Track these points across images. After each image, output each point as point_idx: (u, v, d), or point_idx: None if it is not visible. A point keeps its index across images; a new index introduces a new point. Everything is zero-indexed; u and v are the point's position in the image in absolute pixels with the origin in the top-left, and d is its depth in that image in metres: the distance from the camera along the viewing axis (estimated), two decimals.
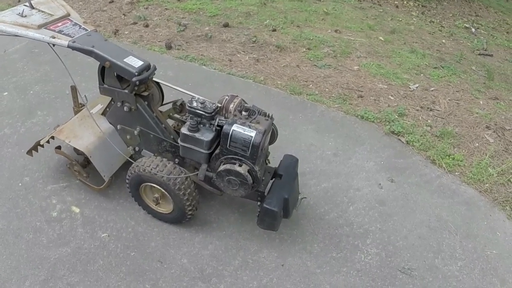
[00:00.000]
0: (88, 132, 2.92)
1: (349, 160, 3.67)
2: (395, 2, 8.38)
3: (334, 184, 3.40)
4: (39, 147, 3.13)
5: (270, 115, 2.54)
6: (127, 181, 2.83)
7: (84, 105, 3.25)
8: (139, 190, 2.84)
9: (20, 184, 3.28)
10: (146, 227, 2.95)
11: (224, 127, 2.37)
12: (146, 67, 2.61)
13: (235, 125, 2.35)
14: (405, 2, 8.41)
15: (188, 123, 2.48)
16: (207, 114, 2.44)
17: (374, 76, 5.05)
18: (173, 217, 2.87)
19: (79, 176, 3.16)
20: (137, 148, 3.02)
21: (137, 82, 2.53)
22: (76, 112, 3.28)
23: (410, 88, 4.87)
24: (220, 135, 2.43)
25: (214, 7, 6.76)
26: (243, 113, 2.43)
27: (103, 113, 3.02)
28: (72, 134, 2.91)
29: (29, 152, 3.16)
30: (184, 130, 2.48)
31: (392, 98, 4.63)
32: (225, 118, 2.53)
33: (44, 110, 4.08)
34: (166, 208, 2.87)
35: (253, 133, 2.31)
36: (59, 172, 3.36)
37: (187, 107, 2.49)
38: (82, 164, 3.05)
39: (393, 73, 5.15)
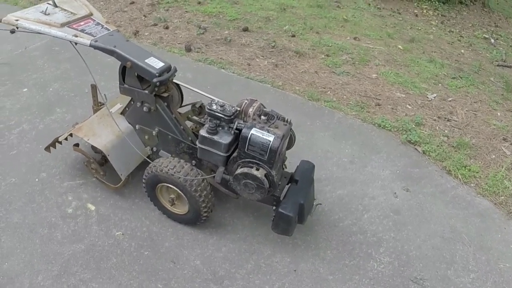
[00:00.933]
0: (106, 130, 2.95)
1: (365, 168, 3.65)
2: (415, 11, 8.33)
3: (349, 191, 3.39)
4: (57, 144, 3.16)
5: (289, 120, 2.55)
6: (143, 180, 2.84)
7: (103, 104, 3.28)
8: (155, 190, 2.86)
9: (37, 180, 3.31)
10: (160, 227, 2.97)
11: (243, 130, 2.37)
12: (167, 69, 2.63)
13: (253, 129, 2.35)
14: (424, 11, 8.36)
15: (207, 125, 2.49)
16: (226, 117, 2.45)
17: (392, 85, 5.03)
18: (188, 218, 2.88)
19: (95, 174, 3.19)
20: (154, 149, 3.03)
21: (158, 83, 2.55)
22: (95, 111, 3.30)
23: (428, 97, 4.84)
24: (238, 139, 2.44)
25: (234, 11, 6.79)
26: (262, 117, 2.44)
27: (122, 113, 3.04)
28: (90, 132, 2.93)
29: (47, 149, 3.19)
30: (202, 132, 2.49)
31: (409, 107, 4.61)
32: (244, 121, 2.54)
33: (63, 107, 4.12)
34: (181, 209, 2.89)
35: (271, 138, 2.31)
36: (76, 169, 3.39)
37: (206, 110, 2.50)
38: (99, 162, 3.08)
39: (411, 82, 5.13)
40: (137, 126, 2.98)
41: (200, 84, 4.48)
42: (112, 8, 6.71)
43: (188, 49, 5.39)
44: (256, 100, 2.66)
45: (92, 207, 3.10)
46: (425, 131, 4.19)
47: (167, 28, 6.04)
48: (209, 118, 2.53)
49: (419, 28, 7.37)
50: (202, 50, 5.46)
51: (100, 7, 6.80)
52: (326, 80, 5.01)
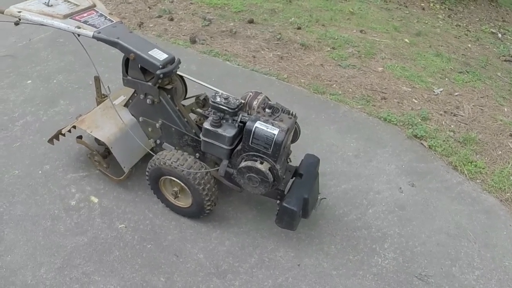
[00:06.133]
0: (110, 123, 2.93)
1: (370, 163, 3.62)
2: (422, 4, 8.26)
3: (354, 186, 3.37)
4: (60, 136, 3.15)
5: (294, 113, 2.52)
6: (147, 173, 2.83)
7: (107, 96, 3.26)
8: (158, 183, 2.84)
9: (40, 172, 3.31)
10: (163, 220, 2.95)
11: (247, 123, 2.35)
12: (171, 61, 2.60)
13: (258, 122, 2.33)
14: (431, 5, 8.28)
15: (210, 118, 2.47)
16: (230, 110, 2.42)
17: (398, 79, 4.99)
18: (191, 212, 2.86)
19: (99, 167, 3.17)
20: (158, 141, 3.02)
21: (161, 75, 2.53)
22: (98, 103, 3.29)
23: (434, 92, 4.80)
24: (242, 132, 2.41)
25: (239, 3, 6.75)
26: (267, 110, 2.40)
27: (126, 105, 3.02)
28: (94, 124, 2.92)
29: (50, 141, 3.18)
30: (206, 125, 2.46)
31: (415, 101, 4.57)
32: (248, 114, 2.51)
33: (67, 99, 4.10)
34: (184, 202, 2.87)
35: (276, 131, 2.28)
36: (79, 161, 3.38)
37: (210, 102, 2.47)
38: (103, 155, 3.06)
39: (417, 76, 5.08)
40: (140, 118, 2.96)
41: (205, 76, 4.47)
42: (117, 0, 6.67)
43: (193, 41, 5.36)
44: (261, 93, 2.63)
45: (95, 200, 3.09)
46: (431, 125, 4.16)
47: (171, 19, 6.00)
48: (213, 110, 2.50)
49: (426, 21, 7.31)
50: (207, 42, 5.43)
51: None
52: (332, 73, 4.97)
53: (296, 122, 2.57)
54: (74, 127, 3.00)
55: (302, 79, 4.76)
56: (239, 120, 2.45)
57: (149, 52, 2.56)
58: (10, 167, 3.35)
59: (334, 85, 4.72)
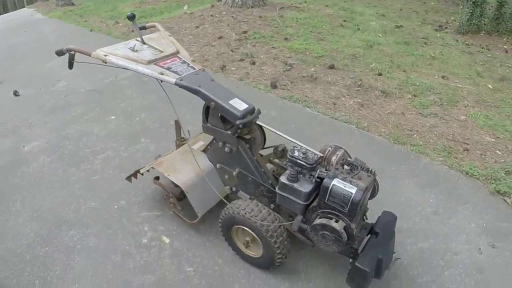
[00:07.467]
0: (187, 167, 2.98)
1: (449, 220, 3.43)
2: (504, 47, 7.93)
3: (431, 245, 3.19)
4: (138, 174, 3.24)
5: (373, 171, 2.44)
6: (220, 220, 2.83)
7: (186, 140, 3.33)
8: (230, 231, 2.83)
9: (115, 207, 3.42)
10: (233, 267, 2.92)
11: (325, 180, 2.29)
12: (251, 111, 2.62)
13: (335, 179, 2.27)
14: None
15: (288, 172, 2.44)
16: (308, 165, 2.38)
17: (482, 128, 4.75)
18: (261, 262, 2.82)
19: (173, 208, 3.22)
20: (234, 189, 3.02)
21: (241, 126, 2.54)
22: (178, 146, 3.36)
23: None
24: (319, 187, 2.35)
25: (320, 48, 6.79)
26: (345, 167, 2.34)
27: (204, 150, 3.07)
28: (171, 168, 2.98)
29: (128, 178, 3.28)
30: (283, 178, 2.44)
31: (499, 153, 4.31)
32: (326, 170, 2.46)
33: (148, 137, 4.24)
34: (255, 252, 2.83)
35: (353, 190, 2.21)
36: (155, 200, 3.45)
37: (288, 156, 2.45)
38: (178, 197, 3.11)
39: (501, 125, 4.81)
40: (217, 165, 2.99)
41: (284, 122, 4.48)
42: (201, 42, 6.91)
43: (274, 86, 5.41)
44: (341, 148, 2.58)
45: (167, 240, 3.12)
46: None
47: (253, 63, 6.13)
48: (290, 164, 2.48)
49: (510, 65, 6.98)
50: (287, 87, 5.47)
51: (189, 40, 7.04)
52: (413, 122, 4.82)
53: (375, 178, 2.49)
54: (153, 168, 3.07)
55: (383, 128, 4.65)
56: (316, 175, 2.40)
57: (229, 102, 2.59)
58: (88, 199, 3.50)
59: (415, 135, 4.56)
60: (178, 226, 3.24)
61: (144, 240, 3.12)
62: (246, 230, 2.70)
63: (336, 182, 2.25)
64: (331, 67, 6.08)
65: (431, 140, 4.48)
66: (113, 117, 4.60)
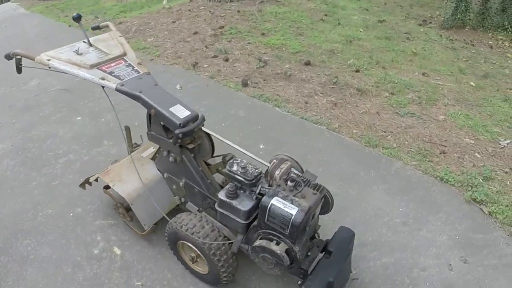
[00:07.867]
0: (134, 177, 2.80)
1: (419, 232, 3.24)
2: (489, 42, 7.72)
3: (396, 259, 3.00)
4: (93, 181, 3.10)
5: (321, 187, 2.25)
6: (165, 234, 2.68)
7: (138, 146, 3.18)
8: (176, 246, 2.67)
9: (71, 214, 3.35)
10: (182, 282, 2.78)
11: (263, 199, 2.10)
12: (193, 118, 2.41)
13: (275, 198, 2.07)
14: (500, 43, 7.70)
15: (227, 187, 2.26)
16: (246, 182, 2.20)
17: (461, 129, 4.54)
18: (208, 279, 2.67)
19: (123, 218, 3.10)
20: (183, 199, 2.86)
21: (180, 135, 2.36)
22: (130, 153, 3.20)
23: (500, 144, 4.30)
24: None
25: (298, 43, 6.59)
26: (289, 183, 2.15)
27: (153, 158, 2.91)
28: (117, 178, 2.83)
29: (82, 185, 3.19)
30: (221, 195, 2.26)
31: (478, 156, 4.10)
32: (269, 185, 2.28)
33: (111, 140, 4.12)
34: (202, 268, 2.68)
35: (294, 211, 2.02)
36: (110, 208, 3.34)
37: (226, 170, 2.28)
38: (126, 208, 2.96)
39: (482, 125, 4.60)
40: (165, 175, 2.83)
41: (252, 123, 4.31)
42: (175, 38, 6.74)
43: (245, 84, 5.23)
44: (287, 160, 2.39)
45: (118, 251, 3.01)
46: (494, 187, 3.67)
47: (226, 60, 5.96)
48: (230, 179, 2.30)
49: (494, 61, 6.78)
50: (259, 85, 5.27)
51: (164, 36, 6.87)
52: (388, 122, 4.63)
53: (327, 191, 2.32)
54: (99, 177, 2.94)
55: (355, 129, 4.45)
56: (257, 191, 2.22)
57: (170, 109, 2.39)
58: (45, 206, 3.44)
59: (389, 136, 4.37)
60: (131, 236, 3.11)
61: (95, 251, 3.03)
62: (191, 246, 2.54)
63: (275, 201, 2.07)
64: (307, 63, 5.88)
65: (406, 142, 4.27)
66: (79, 118, 4.47)
